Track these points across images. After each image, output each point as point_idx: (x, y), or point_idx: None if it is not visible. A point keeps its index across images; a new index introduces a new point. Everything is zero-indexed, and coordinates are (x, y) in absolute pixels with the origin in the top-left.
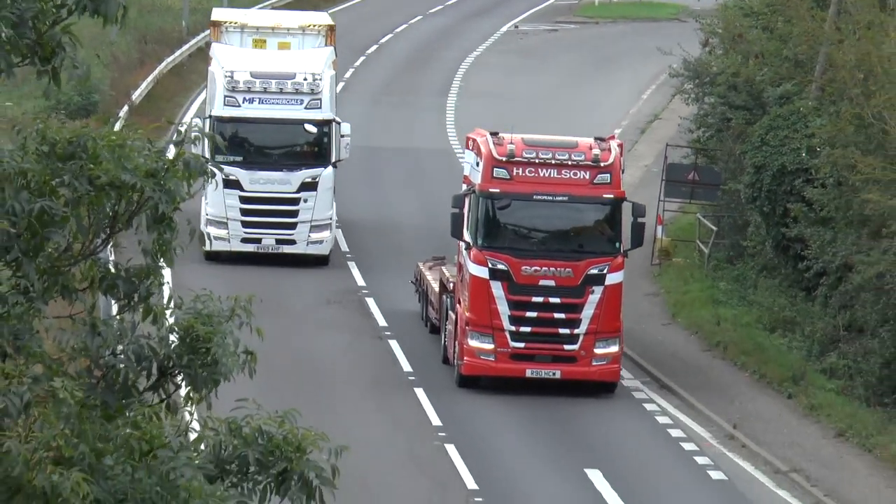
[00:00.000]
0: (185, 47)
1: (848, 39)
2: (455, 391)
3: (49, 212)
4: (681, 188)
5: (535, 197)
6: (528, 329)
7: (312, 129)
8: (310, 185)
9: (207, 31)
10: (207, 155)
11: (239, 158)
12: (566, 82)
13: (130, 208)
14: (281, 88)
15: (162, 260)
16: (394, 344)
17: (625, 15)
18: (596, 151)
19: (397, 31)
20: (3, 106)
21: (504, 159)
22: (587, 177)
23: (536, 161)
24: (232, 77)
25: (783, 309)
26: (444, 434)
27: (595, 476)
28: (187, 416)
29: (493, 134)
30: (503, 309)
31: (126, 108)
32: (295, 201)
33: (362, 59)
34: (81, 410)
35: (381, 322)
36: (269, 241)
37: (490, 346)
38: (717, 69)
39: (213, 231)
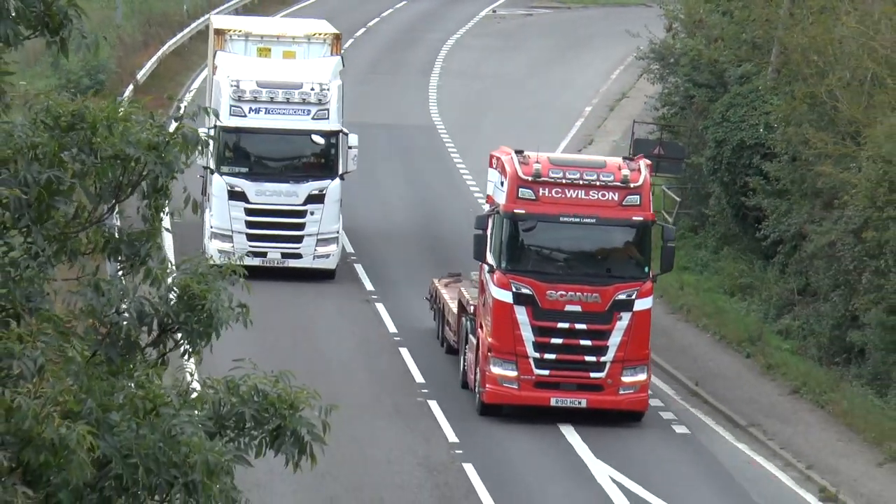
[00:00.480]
0: (186, 30)
1: (802, 24)
2: (477, 418)
3: (57, 181)
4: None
5: (561, 219)
6: (552, 356)
7: (320, 140)
8: (317, 198)
9: (207, 15)
10: (213, 164)
11: (244, 170)
12: (541, 63)
13: (133, 179)
14: (288, 98)
15: (156, 223)
16: (404, 352)
17: (595, 0)
18: (625, 172)
19: (383, 15)
20: (18, 85)
21: (530, 179)
22: (616, 198)
23: (563, 181)
24: (238, 86)
25: (742, 275)
26: (460, 452)
27: (567, 430)
28: (188, 377)
29: (518, 152)
30: (527, 335)
31: (131, 86)
32: (301, 214)
33: (351, 41)
34: (88, 367)
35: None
36: (274, 254)
37: (513, 374)
38: (680, 51)
39: (217, 244)
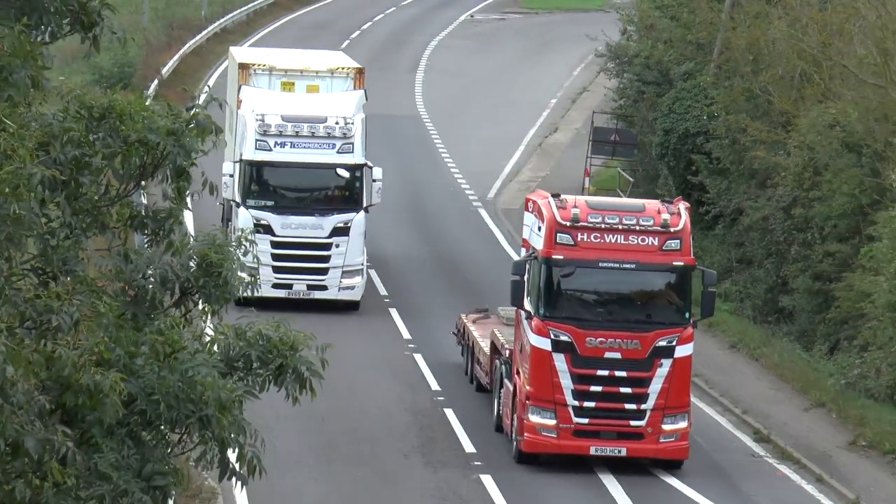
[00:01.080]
0: (203, 32)
1: (740, 27)
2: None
3: (85, 160)
4: (605, 147)
5: (600, 264)
6: (592, 404)
7: (345, 173)
8: (342, 231)
9: (223, 18)
10: (238, 198)
11: (270, 203)
12: (512, 62)
13: (155, 161)
14: (313, 132)
15: (178, 203)
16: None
17: (560, 7)
18: (665, 216)
19: (375, 20)
20: (58, 80)
21: (568, 224)
22: (656, 243)
23: (602, 226)
24: (263, 120)
25: None
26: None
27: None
28: (202, 325)
29: (555, 196)
30: (566, 383)
31: (156, 81)
32: (327, 246)
33: (347, 42)
34: (118, 322)
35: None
36: (300, 286)
37: (552, 422)
38: (633, 52)
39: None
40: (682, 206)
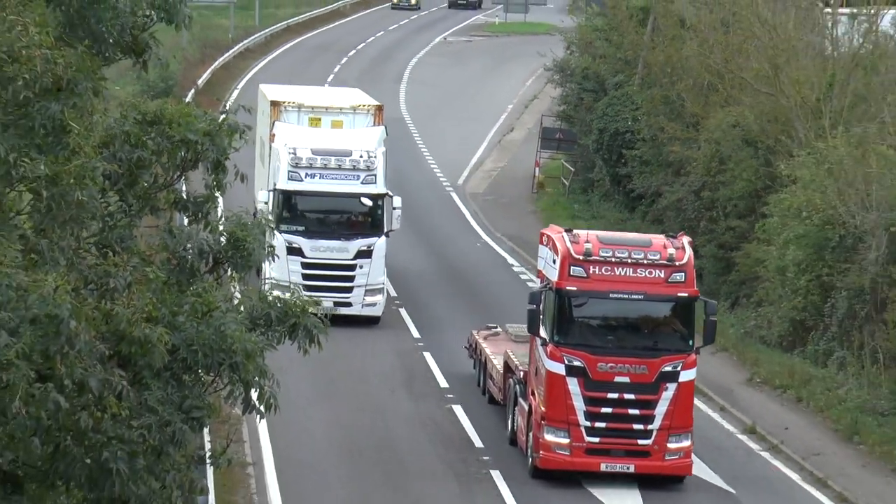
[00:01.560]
0: (230, 51)
1: (658, 47)
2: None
3: (142, 159)
4: (551, 143)
5: (611, 295)
6: (603, 424)
7: (368, 202)
8: (365, 253)
9: (246, 40)
10: (273, 223)
11: (301, 228)
12: (477, 75)
13: (195, 156)
14: (339, 165)
15: (216, 190)
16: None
17: (515, 31)
18: (671, 251)
19: (367, 42)
20: (114, 89)
21: (581, 258)
22: (662, 275)
23: (612, 259)
24: (295, 154)
25: (616, 221)
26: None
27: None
28: (232, 290)
29: (568, 231)
30: (579, 405)
31: (193, 91)
32: (352, 268)
33: (345, 59)
34: (163, 286)
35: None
36: (327, 303)
37: (566, 441)
38: (574, 66)
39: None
40: (686, 240)
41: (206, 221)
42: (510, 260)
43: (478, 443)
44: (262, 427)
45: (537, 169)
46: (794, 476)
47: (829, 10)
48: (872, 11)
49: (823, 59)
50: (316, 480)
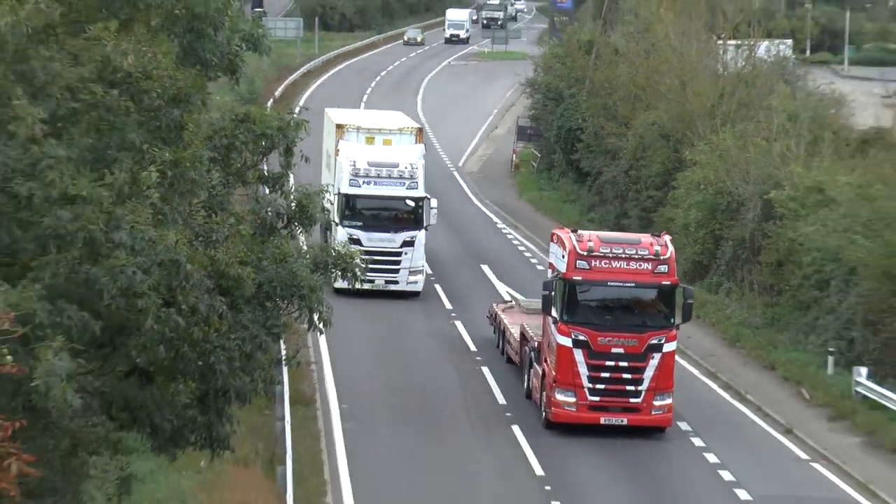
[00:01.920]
0: (297, 72)
1: (600, 69)
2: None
3: (234, 147)
4: (524, 137)
5: (609, 283)
6: (602, 386)
7: (411, 203)
8: (409, 243)
9: (308, 64)
10: (337, 219)
11: (359, 223)
12: (472, 88)
13: (271, 145)
14: (389, 174)
15: (286, 168)
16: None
17: (499, 58)
18: (657, 248)
19: (395, 65)
20: (215, 98)
21: (585, 253)
22: (649, 267)
23: (610, 255)
24: (354, 165)
25: (570, 192)
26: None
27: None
28: (300, 243)
29: (574, 231)
30: (583, 371)
31: (271, 100)
32: (398, 254)
33: (379, 77)
34: (252, 238)
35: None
36: (380, 281)
37: (573, 400)
38: (540, 82)
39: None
40: (668, 238)
41: (282, 191)
42: (494, 219)
43: (501, 400)
44: (322, 339)
45: (514, 155)
46: (695, 371)
47: (720, 41)
48: (752, 42)
49: (716, 76)
50: (359, 374)
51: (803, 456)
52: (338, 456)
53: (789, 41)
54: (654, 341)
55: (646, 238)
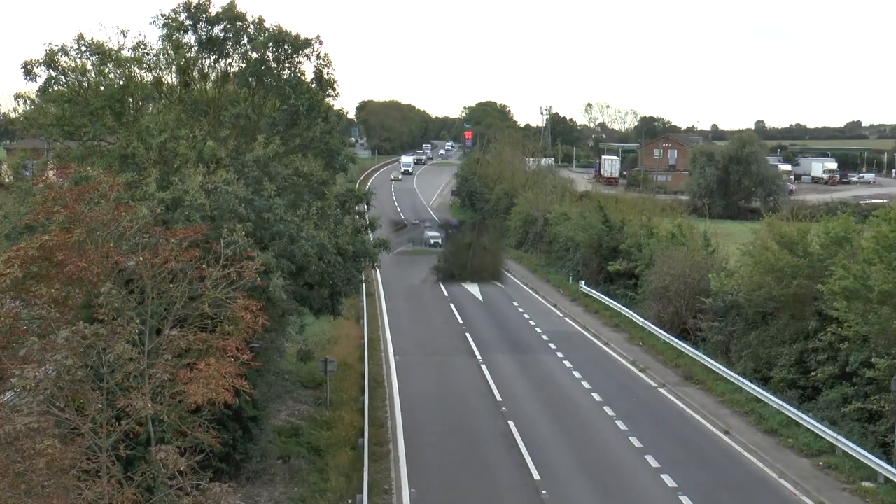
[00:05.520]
0: (366, 171)
1: (483, 167)
2: None
3: (347, 199)
4: (455, 195)
5: None
6: None
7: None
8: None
9: (370, 168)
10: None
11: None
12: (432, 175)
13: (359, 199)
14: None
15: (351, 213)
16: None
17: (446, 164)
18: None
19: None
20: (337, 180)
21: None
22: None
23: None
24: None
25: (471, 214)
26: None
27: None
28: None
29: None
30: None
31: (358, 182)
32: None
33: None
34: (351, 233)
35: None
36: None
37: None
38: (459, 174)
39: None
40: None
41: (364, 217)
42: (435, 216)
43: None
44: (379, 275)
45: (451, 199)
46: (520, 282)
47: (529, 159)
48: (538, 159)
49: (525, 172)
50: (398, 303)
51: (560, 314)
52: (385, 315)
53: (552, 158)
54: None
55: None
